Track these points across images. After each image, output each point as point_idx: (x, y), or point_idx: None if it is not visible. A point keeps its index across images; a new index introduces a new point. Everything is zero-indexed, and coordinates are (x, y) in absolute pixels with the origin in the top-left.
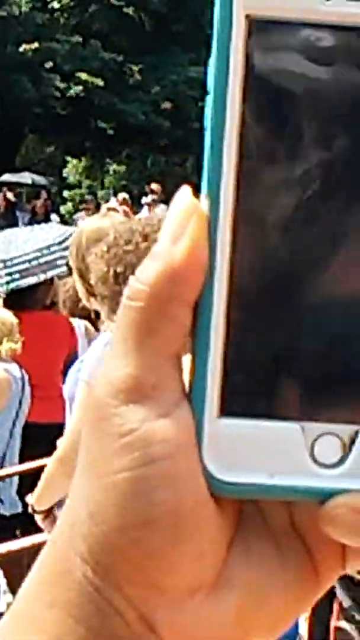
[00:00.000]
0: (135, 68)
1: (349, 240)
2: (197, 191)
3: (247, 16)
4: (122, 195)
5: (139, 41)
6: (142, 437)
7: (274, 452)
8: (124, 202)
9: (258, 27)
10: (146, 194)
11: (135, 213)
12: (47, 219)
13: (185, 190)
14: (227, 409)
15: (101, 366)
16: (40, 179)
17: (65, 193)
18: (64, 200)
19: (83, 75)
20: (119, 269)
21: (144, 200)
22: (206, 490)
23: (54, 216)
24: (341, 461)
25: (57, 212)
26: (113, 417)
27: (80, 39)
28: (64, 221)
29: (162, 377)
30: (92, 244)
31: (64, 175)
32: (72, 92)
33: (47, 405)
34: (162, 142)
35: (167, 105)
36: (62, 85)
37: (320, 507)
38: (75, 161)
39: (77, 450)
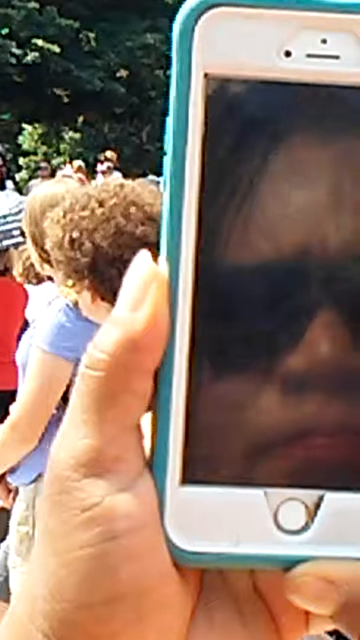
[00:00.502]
0: (91, 35)
1: (314, 314)
2: (153, 165)
3: (205, 74)
4: (78, 162)
5: (96, 8)
6: (104, 511)
7: (237, 520)
8: (79, 169)
9: (216, 84)
10: (101, 162)
11: (90, 180)
12: (2, 186)
13: (144, 255)
14: (189, 477)
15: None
16: None
17: (21, 160)
18: (19, 168)
19: (39, 42)
20: (75, 235)
21: (99, 167)
22: (170, 562)
23: (9, 183)
24: (305, 527)
25: (13, 179)
26: (74, 491)
27: (37, 5)
28: (18, 188)
29: (123, 448)
30: (46, 209)
31: (19, 142)
32: (28, 58)
33: (1, 373)
34: (117, 110)
35: (122, 72)
36: (18, 52)
37: (285, 575)
38: (30, 128)
39: (29, 417)
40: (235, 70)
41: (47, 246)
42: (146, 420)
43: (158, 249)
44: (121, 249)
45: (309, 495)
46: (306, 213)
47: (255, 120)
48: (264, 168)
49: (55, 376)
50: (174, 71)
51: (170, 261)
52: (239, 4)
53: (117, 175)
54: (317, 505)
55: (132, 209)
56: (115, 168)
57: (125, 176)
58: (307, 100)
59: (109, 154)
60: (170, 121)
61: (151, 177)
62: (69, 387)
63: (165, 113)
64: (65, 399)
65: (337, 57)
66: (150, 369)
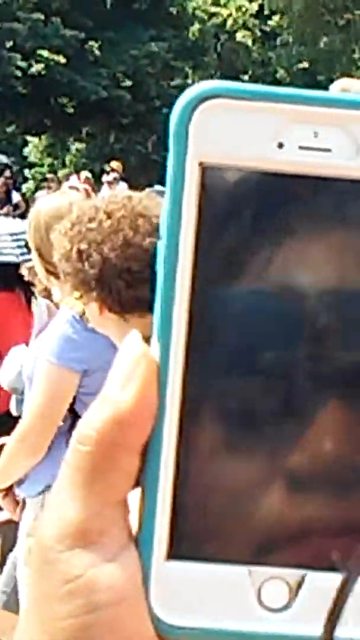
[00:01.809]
0: (96, 45)
1: (297, 369)
2: (159, 175)
3: (200, 163)
4: (85, 173)
5: (100, 18)
6: (87, 583)
7: (221, 596)
8: (86, 180)
9: (211, 173)
10: (107, 172)
11: (96, 191)
12: (8, 198)
13: (134, 335)
14: (175, 553)
15: (52, 499)
16: (1, 158)
17: (27, 172)
18: (25, 179)
19: (44, 53)
20: (83, 247)
21: (105, 178)
22: (153, 634)
23: (15, 195)
24: (288, 605)
25: (19, 190)
26: (58, 562)
27: (42, 17)
28: (25, 200)
29: (108, 522)
30: (50, 222)
31: (25, 154)
32: (33, 70)
33: None
34: (123, 120)
35: (127, 82)
36: (23, 64)
37: None
38: (36, 140)
39: (36, 429)
40: (229, 160)
41: (55, 258)
42: (134, 495)
43: None
44: (129, 260)
45: (292, 574)
46: (301, 303)
47: (249, 209)
48: (257, 258)
49: (62, 388)
50: (170, 160)
51: (161, 343)
52: (234, 96)
53: (123, 186)
54: (299, 584)
55: (140, 221)
56: (122, 178)
57: (131, 186)
58: (299, 191)
59: (114, 164)
60: (165, 207)
61: (157, 187)
62: (76, 398)
63: (170, 123)
64: (72, 410)
65: (328, 150)
66: (137, 447)
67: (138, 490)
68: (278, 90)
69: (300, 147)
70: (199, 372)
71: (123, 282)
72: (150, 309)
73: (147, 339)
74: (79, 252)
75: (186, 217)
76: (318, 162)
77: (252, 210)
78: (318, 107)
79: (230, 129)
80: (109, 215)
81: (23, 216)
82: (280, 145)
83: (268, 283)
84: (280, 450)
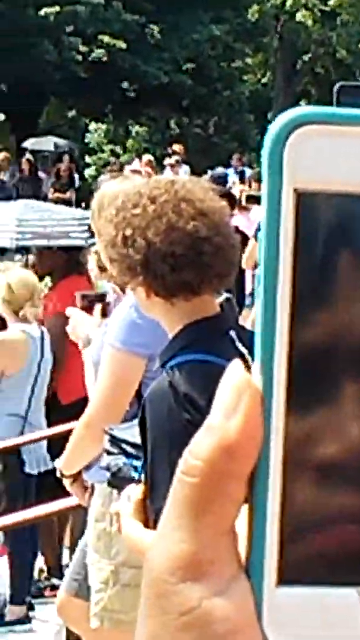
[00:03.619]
0: (156, 29)
1: None
2: (218, 155)
3: (295, 190)
4: (147, 157)
5: (160, 1)
6: (203, 615)
7: (332, 619)
8: (148, 164)
9: (307, 199)
10: (169, 155)
11: (159, 174)
12: (71, 182)
13: (237, 364)
14: (285, 578)
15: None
16: (64, 142)
17: (87, 157)
18: (87, 165)
19: (105, 38)
20: (127, 232)
21: (167, 161)
22: None
23: (77, 178)
24: None
25: (81, 175)
26: (171, 595)
27: (102, 1)
28: (88, 185)
29: (218, 552)
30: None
31: (86, 140)
32: (94, 55)
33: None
34: (184, 103)
35: (188, 65)
36: (84, 49)
37: None
38: (97, 125)
39: (103, 414)
40: (325, 186)
41: (102, 244)
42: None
43: (209, 243)
44: (173, 245)
45: None
46: None
47: (346, 235)
48: (357, 282)
49: (128, 373)
50: (264, 186)
51: (263, 371)
52: (328, 121)
53: (185, 169)
54: None
55: (183, 205)
56: (183, 161)
57: (193, 169)
58: None
59: (176, 147)
60: (262, 234)
61: (219, 169)
62: (142, 383)
63: (232, 104)
64: (139, 395)
65: None
66: (245, 475)
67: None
68: None
69: None
70: (302, 399)
71: (167, 266)
72: (194, 292)
73: (195, 322)
74: (124, 237)
75: (284, 245)
76: None
77: (349, 236)
78: None
79: (325, 155)
80: (152, 200)
81: (84, 201)
82: None
83: None
84: None
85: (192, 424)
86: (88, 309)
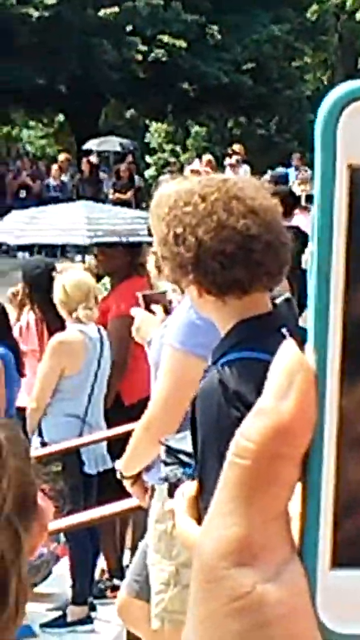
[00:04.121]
0: (216, 28)
1: None
2: (278, 155)
3: (349, 165)
4: (207, 157)
5: (220, 1)
6: (254, 600)
7: None
8: (208, 163)
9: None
10: (229, 155)
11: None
12: (131, 183)
13: (289, 344)
14: (339, 561)
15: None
16: (129, 143)
17: (148, 158)
18: (147, 165)
19: (165, 38)
20: (178, 230)
21: (227, 161)
22: None
23: (137, 179)
24: None
25: (142, 176)
26: (223, 580)
27: (161, 2)
28: (148, 185)
29: (271, 536)
30: None
31: (146, 140)
32: (153, 55)
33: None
34: (244, 103)
35: (248, 65)
36: (143, 49)
37: None
38: (157, 125)
39: (162, 415)
40: None
41: (155, 243)
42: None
43: (260, 241)
44: (223, 242)
45: None
46: None
47: None
48: None
49: (187, 373)
50: (317, 162)
51: (317, 351)
52: None
53: (245, 169)
54: None
55: (234, 203)
56: (244, 161)
57: (253, 169)
58: None
59: (236, 147)
60: (315, 212)
61: (279, 169)
62: None
63: (292, 104)
64: None
65: None
66: (298, 457)
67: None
68: None
69: None
70: (356, 379)
71: (218, 264)
72: (245, 290)
73: (246, 320)
74: (175, 235)
75: (337, 221)
76: None
77: None
78: None
79: None
80: (203, 199)
81: (144, 201)
82: None
83: None
84: None
85: (241, 421)
86: (150, 309)
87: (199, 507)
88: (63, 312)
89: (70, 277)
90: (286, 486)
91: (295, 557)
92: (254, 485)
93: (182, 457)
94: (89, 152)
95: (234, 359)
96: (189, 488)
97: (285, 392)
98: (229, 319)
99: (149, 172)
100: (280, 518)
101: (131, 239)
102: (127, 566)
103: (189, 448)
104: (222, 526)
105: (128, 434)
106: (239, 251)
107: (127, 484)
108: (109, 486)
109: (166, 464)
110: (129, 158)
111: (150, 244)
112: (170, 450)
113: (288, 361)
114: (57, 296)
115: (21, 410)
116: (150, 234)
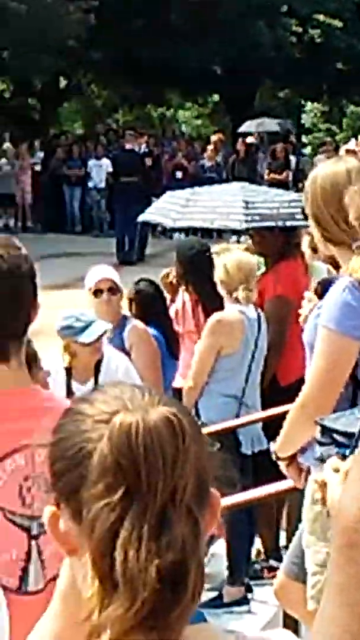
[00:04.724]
0: None
1: None
2: None
3: None
4: None
5: None
6: None
7: None
8: None
9: None
10: None
11: None
12: (287, 163)
13: None
14: None
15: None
16: (286, 123)
17: (304, 138)
18: (303, 145)
19: (320, 17)
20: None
21: None
22: None
23: (293, 159)
24: None
25: (300, 155)
26: None
27: None
28: (298, 167)
29: None
30: (327, 189)
31: (302, 120)
32: (308, 35)
33: None
34: None
35: None
36: (298, 29)
37: None
38: (313, 105)
39: (318, 396)
40: None
41: (351, 217)
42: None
43: None
44: None
45: None
46: None
47: None
48: None
49: (342, 355)
50: None
51: None
52: None
53: None
54: None
55: None
56: None
57: None
58: None
59: None
60: None
61: None
62: (357, 365)
63: None
64: (354, 377)
65: None
66: None
67: None
68: None
69: None
70: None
71: None
72: None
73: None
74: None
75: None
76: None
77: None
78: None
79: None
80: None
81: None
82: None
83: None
84: None
85: None
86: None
87: None
88: (223, 292)
89: (232, 257)
90: None
91: None
92: None
93: (337, 437)
94: (246, 134)
95: None
96: (345, 463)
97: None
98: None
99: (305, 152)
100: None
101: (288, 224)
102: (284, 547)
103: (344, 428)
104: None
105: (284, 415)
106: None
107: (282, 465)
108: (265, 467)
109: (321, 444)
110: (288, 138)
111: (306, 226)
112: (325, 430)
113: None
114: (218, 275)
115: (177, 392)
116: (306, 217)
